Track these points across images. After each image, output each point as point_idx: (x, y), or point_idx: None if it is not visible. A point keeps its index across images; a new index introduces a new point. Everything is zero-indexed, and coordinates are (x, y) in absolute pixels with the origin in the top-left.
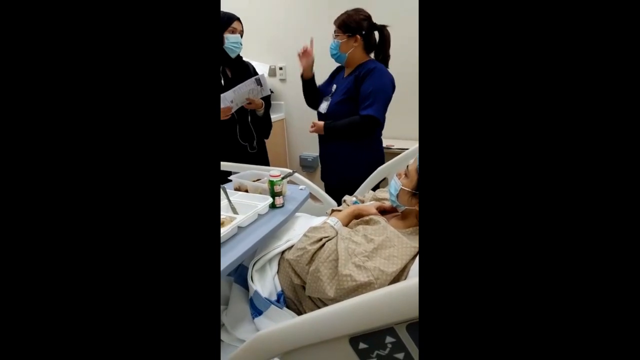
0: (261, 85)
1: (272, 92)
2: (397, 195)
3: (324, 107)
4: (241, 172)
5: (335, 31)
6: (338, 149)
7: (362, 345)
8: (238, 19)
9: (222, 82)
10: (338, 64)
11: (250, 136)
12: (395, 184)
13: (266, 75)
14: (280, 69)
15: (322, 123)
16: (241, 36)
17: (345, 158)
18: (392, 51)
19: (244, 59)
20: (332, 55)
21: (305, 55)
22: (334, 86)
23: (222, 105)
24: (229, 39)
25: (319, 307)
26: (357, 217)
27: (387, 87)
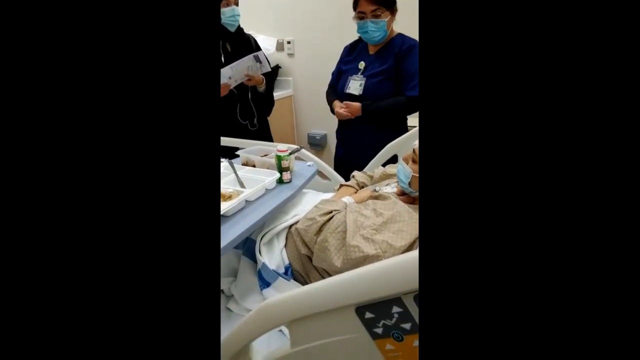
0: (260, 62)
1: (280, 66)
2: (409, 183)
3: (355, 87)
4: (248, 147)
5: (374, 10)
6: (366, 131)
7: (368, 315)
8: None
9: (222, 58)
10: (352, 40)
11: (251, 114)
12: (405, 170)
13: (273, 49)
14: (289, 42)
15: (358, 105)
16: (237, 4)
17: (371, 139)
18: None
19: (248, 32)
20: (376, 38)
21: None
22: (362, 63)
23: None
24: (225, 13)
25: None
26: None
27: None
